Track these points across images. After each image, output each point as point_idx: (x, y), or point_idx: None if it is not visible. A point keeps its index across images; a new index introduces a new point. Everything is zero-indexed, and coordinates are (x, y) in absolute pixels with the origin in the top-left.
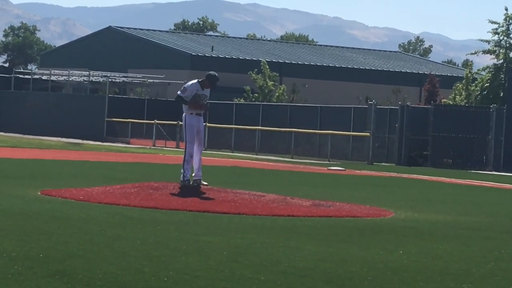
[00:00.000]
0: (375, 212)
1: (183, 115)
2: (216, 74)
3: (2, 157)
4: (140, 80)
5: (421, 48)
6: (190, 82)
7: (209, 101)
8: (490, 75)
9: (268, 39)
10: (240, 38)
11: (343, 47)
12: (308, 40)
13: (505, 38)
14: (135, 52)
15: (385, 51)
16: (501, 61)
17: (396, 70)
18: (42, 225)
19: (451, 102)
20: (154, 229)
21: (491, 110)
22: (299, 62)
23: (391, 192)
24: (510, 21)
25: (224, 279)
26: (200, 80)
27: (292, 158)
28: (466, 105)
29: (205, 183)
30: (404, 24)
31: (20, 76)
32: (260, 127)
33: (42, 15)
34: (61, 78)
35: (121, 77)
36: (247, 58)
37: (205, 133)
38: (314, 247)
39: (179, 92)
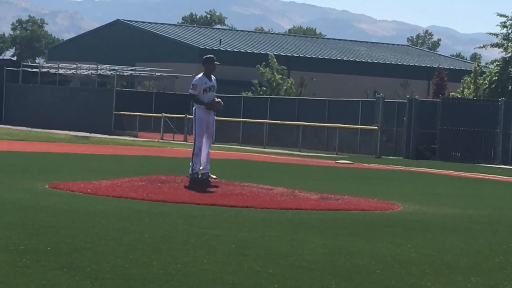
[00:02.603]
0: (383, 206)
1: (193, 108)
2: (210, 55)
3: (10, 150)
4: (148, 74)
5: (430, 41)
6: (197, 77)
7: (218, 94)
8: (498, 68)
9: (276, 32)
10: (248, 31)
11: (351, 40)
12: (316, 33)
13: None
14: (143, 46)
15: (393, 44)
16: (510, 54)
17: (404, 63)
18: (50, 219)
19: (459, 96)
20: (162, 222)
21: (499, 103)
22: (307, 56)
23: (399, 185)
24: None
25: (232, 272)
26: (203, 72)
27: (300, 151)
28: (474, 98)
29: (213, 176)
30: (412, 17)
31: (28, 69)
32: (268, 121)
33: (49, 8)
34: (69, 72)
35: (128, 70)
36: (255, 51)
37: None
38: (322, 241)
39: (190, 90)
